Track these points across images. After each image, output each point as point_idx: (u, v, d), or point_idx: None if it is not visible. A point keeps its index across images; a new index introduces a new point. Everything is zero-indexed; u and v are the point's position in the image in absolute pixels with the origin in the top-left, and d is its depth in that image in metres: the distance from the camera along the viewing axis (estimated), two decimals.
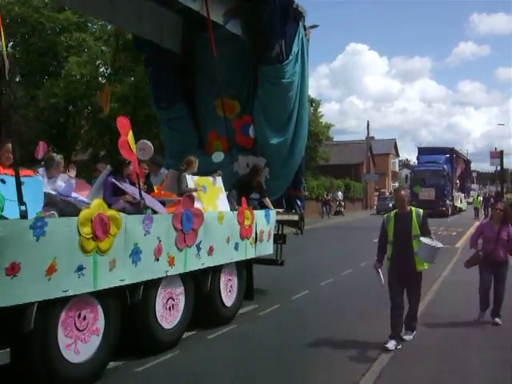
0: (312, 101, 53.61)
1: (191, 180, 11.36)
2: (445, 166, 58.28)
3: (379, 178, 76.66)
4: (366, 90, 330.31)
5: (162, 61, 15.29)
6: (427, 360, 9.24)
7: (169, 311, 9.95)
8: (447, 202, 56.65)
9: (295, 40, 14.24)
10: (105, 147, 38.23)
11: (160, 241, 9.24)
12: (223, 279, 11.80)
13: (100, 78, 40.34)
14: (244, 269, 12.76)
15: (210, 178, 11.90)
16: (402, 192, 10.44)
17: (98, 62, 40.26)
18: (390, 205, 56.87)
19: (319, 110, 54.97)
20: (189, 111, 15.61)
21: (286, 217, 14.60)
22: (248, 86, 15.01)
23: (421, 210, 10.21)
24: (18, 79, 42.38)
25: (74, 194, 9.57)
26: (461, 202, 66.68)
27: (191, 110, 15.68)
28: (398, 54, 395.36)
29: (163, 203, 10.35)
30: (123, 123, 8.99)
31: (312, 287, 15.94)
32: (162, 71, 15.43)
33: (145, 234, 8.86)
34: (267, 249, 13.40)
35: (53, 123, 39.35)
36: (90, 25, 40.89)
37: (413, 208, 10.25)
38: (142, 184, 9.86)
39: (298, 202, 15.35)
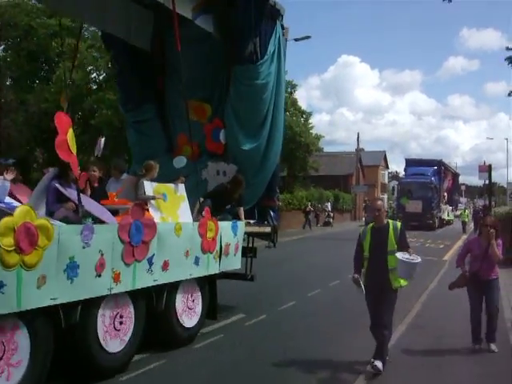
0: (303, 112, 52.80)
1: (150, 187, 10.13)
2: (432, 179, 57.16)
3: (368, 190, 75.69)
4: (356, 101, 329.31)
5: (130, 59, 14.13)
6: (413, 372, 9.22)
7: (115, 333, 8.67)
8: (434, 214, 55.44)
9: (271, 39, 13.02)
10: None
11: (102, 254, 7.98)
12: (181, 297, 10.47)
13: (91, 84, 39.69)
14: (206, 285, 11.39)
15: (172, 186, 10.73)
16: (379, 202, 9.85)
17: (89, 68, 39.51)
18: None
19: (310, 121, 53.92)
20: (158, 113, 14.46)
21: (257, 229, 13.39)
22: (221, 88, 13.84)
23: (398, 224, 9.40)
24: (8, 83, 41.59)
25: (7, 199, 8.37)
26: (448, 214, 65.32)
27: (160, 112, 14.52)
28: (389, 67, 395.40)
29: (116, 212, 9.23)
30: (62, 120, 7.85)
31: (299, 298, 15.55)
32: (129, 70, 14.27)
33: (83, 247, 7.61)
34: (234, 263, 12.20)
35: (43, 128, 38.25)
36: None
37: (390, 221, 9.42)
38: (88, 189, 9.21)
39: (271, 213, 14.01)
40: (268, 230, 13.79)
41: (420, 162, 61.59)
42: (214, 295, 11.83)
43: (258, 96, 12.85)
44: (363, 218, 60.64)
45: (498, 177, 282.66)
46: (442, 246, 35.04)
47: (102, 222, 8.38)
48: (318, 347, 10.69)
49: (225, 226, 11.60)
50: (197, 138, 13.11)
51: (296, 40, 43.29)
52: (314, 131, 52.87)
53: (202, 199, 11.93)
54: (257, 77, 12.69)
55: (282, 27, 13.79)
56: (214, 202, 11.85)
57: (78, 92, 36.18)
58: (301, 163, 49.80)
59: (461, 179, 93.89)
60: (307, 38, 43.68)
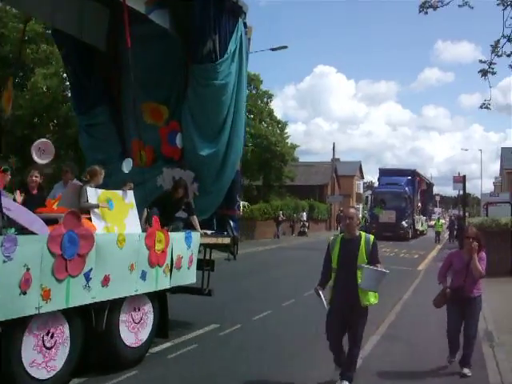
0: (278, 122, 52.10)
1: (94, 194, 9.04)
2: (406, 188, 55.64)
3: (343, 200, 75.15)
4: (332, 112, 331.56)
5: (82, 58, 13.08)
6: (386, 382, 9.14)
7: (46, 356, 7.59)
8: (408, 224, 54.11)
9: (232, 37, 12.03)
10: (70, 161, 35.80)
11: (28, 269, 6.92)
12: (125, 315, 9.30)
13: (66, 92, 38.81)
14: (156, 302, 10.24)
15: (119, 192, 9.61)
16: (351, 210, 9.08)
17: (64, 75, 38.60)
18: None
19: (285, 130, 53.16)
20: (112, 116, 13.39)
21: (214, 240, 12.30)
22: (178, 89, 12.83)
23: (371, 237, 8.55)
24: None
25: None
26: (422, 225, 64.04)
27: (115, 115, 13.45)
28: (364, 78, 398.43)
29: (56, 221, 8.07)
30: None
31: (274, 307, 15.27)
32: (82, 70, 13.22)
33: (4, 261, 6.57)
34: (188, 277, 11.12)
35: (17, 135, 37.13)
36: None
37: (362, 233, 8.59)
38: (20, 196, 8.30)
39: (231, 223, 12.96)
40: (227, 241, 12.80)
41: (394, 172, 60.36)
42: (164, 312, 10.67)
43: (216, 97, 11.88)
44: (338, 228, 60.07)
45: (472, 187, 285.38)
46: (416, 256, 34.69)
47: (32, 233, 7.34)
48: (291, 359, 10.37)
49: (177, 236, 10.57)
50: (152, 142, 12.25)
51: (273, 50, 42.82)
52: (289, 141, 52.29)
53: (149, 208, 11.05)
54: (216, 77, 11.75)
55: (245, 25, 12.77)
56: (161, 211, 10.89)
57: (53, 99, 35.11)
58: (276, 173, 49.24)
59: (436, 190, 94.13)
60: (284, 47, 43.14)
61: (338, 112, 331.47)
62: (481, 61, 12.19)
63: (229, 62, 11.91)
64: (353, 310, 8.29)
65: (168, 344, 10.83)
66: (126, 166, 10.37)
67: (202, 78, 11.86)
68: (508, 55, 11.75)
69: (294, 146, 52.66)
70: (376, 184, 66.94)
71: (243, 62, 12.53)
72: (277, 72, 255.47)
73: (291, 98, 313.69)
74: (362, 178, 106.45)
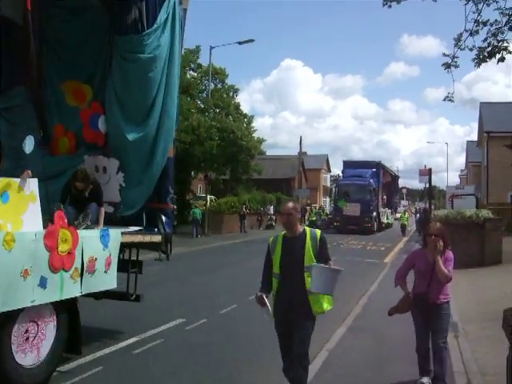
0: (245, 115, 52.00)
1: None
2: (371, 181, 54.02)
3: (311, 193, 75.33)
4: (299, 105, 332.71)
5: None
6: (353, 374, 9.02)
7: None
8: (373, 217, 52.61)
9: (163, 6, 10.52)
10: None
11: None
12: (19, 330, 7.57)
13: None
14: (63, 313, 8.47)
15: (16, 181, 7.82)
16: (289, 204, 7.27)
17: None
18: (319, 223, 55.33)
19: (252, 124, 53.07)
20: (30, 98, 11.57)
21: (141, 238, 10.63)
22: (103, 66, 11.29)
23: (318, 232, 7.18)
24: None
25: None
26: (387, 218, 62.72)
27: (34, 97, 11.61)
28: (331, 72, 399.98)
29: None
30: None
31: (240, 301, 14.92)
32: None
33: None
34: (106, 283, 9.47)
35: None
36: None
37: (307, 228, 7.25)
38: None
39: (164, 218, 11.30)
40: (157, 238, 11.10)
41: (358, 164, 58.97)
42: (75, 324, 8.85)
43: (143, 74, 10.42)
44: (306, 222, 60.14)
45: (439, 180, 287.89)
46: (383, 249, 34.81)
47: None
48: (258, 353, 10.33)
49: (89, 235, 8.95)
50: (75, 126, 10.91)
51: (239, 43, 42.72)
52: (256, 135, 52.18)
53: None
54: (142, 50, 10.32)
55: None
56: (71, 206, 9.59)
57: None
58: (243, 166, 49.08)
59: (402, 183, 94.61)
60: (251, 41, 42.96)
61: (304, 106, 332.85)
62: (444, 54, 12.31)
63: (158, 34, 10.48)
64: (301, 321, 7.02)
65: (133, 339, 10.66)
66: (28, 145, 8.84)
67: (127, 51, 10.52)
68: (470, 49, 11.91)
69: (260, 140, 52.41)
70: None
71: (176, 34, 11.01)
72: (244, 66, 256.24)
73: (258, 92, 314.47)
74: (329, 171, 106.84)
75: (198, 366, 9.37)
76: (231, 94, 51.90)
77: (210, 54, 42.67)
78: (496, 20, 11.65)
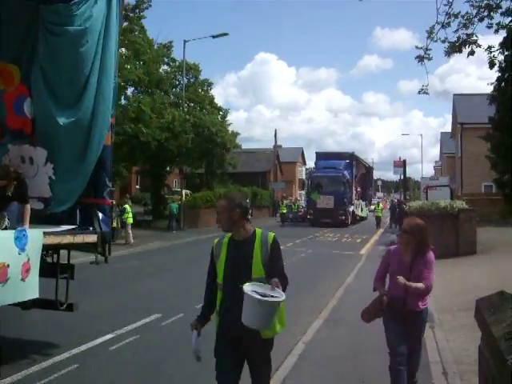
0: (219, 109, 51.91)
1: None
2: (345, 172, 52.15)
3: (286, 186, 75.47)
4: (273, 99, 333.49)
5: None
6: (329, 366, 8.97)
7: None
8: (347, 210, 50.89)
9: None
10: None
11: None
12: None
13: None
14: None
15: None
16: (222, 202, 5.83)
17: None
18: (290, 216, 55.12)
19: (227, 118, 52.99)
20: None
21: (71, 238, 9.20)
22: (33, 45, 9.76)
23: (270, 235, 5.68)
24: None
25: None
26: (362, 210, 61.16)
27: None
28: (305, 65, 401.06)
29: None
30: None
31: None
32: None
33: None
34: (24, 292, 8.08)
35: None
36: None
37: (258, 230, 5.75)
38: None
39: (100, 215, 9.74)
40: (91, 238, 9.59)
41: (331, 155, 57.00)
42: None
43: (73, 49, 9.15)
44: (277, 215, 60.12)
45: (413, 172, 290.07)
46: (358, 241, 34.88)
47: None
48: None
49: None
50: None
51: (213, 37, 42.55)
52: (231, 129, 52.08)
53: None
54: (71, 21, 9.05)
55: None
56: None
57: None
58: (218, 160, 49.04)
59: (377, 174, 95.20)
60: (225, 34, 42.82)
61: (279, 99, 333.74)
62: (417, 47, 12.39)
63: (90, 3, 9.23)
64: (251, 344, 5.67)
65: (109, 336, 10.54)
66: None
67: (53, 23, 9.27)
68: (443, 41, 11.99)
69: (235, 134, 52.23)
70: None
71: (113, 4, 9.72)
72: (218, 60, 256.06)
73: (233, 86, 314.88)
74: (305, 164, 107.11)
75: (174, 360, 9.32)
76: (205, 88, 51.74)
77: (184, 47, 42.51)
78: (467, 12, 11.74)
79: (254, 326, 5.29)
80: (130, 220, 30.28)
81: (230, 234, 5.78)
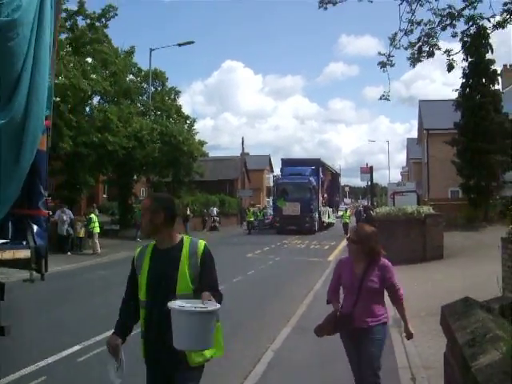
0: (187, 118, 51.84)
1: None
2: (311, 179, 51.00)
3: (254, 194, 75.41)
4: (240, 106, 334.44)
5: None
6: (298, 374, 9.01)
7: None
8: (313, 217, 49.78)
9: None
10: None
11: None
12: None
13: None
14: None
15: None
16: (146, 201, 5.31)
17: None
18: (256, 223, 54.93)
19: (194, 127, 52.84)
20: None
21: (0, 254, 7.60)
22: None
23: (200, 244, 4.97)
24: None
25: None
26: (329, 216, 59.73)
27: None
28: (271, 72, 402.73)
29: None
30: None
31: None
32: None
33: None
34: None
35: None
36: None
37: (186, 238, 5.05)
38: None
39: (35, 228, 8.45)
40: (24, 254, 8.14)
41: (297, 162, 56.27)
42: None
43: (1, 43, 7.73)
44: (243, 224, 59.93)
45: (380, 178, 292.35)
46: (326, 247, 34.89)
47: None
48: None
49: None
50: None
51: (179, 45, 42.49)
52: (197, 137, 51.89)
53: None
54: None
55: None
56: None
57: None
58: (185, 169, 48.92)
59: (344, 181, 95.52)
60: (191, 42, 42.77)
61: (246, 107, 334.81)
62: (380, 53, 12.51)
63: None
64: (176, 370, 4.90)
65: (77, 347, 10.45)
66: None
67: None
68: (405, 48, 12.11)
69: (202, 143, 51.90)
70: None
71: None
72: (185, 68, 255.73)
73: (199, 94, 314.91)
74: (272, 171, 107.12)
75: (141, 370, 9.29)
76: (172, 96, 51.67)
77: (150, 56, 42.57)
78: (429, 20, 11.86)
79: (186, 347, 4.54)
80: (97, 229, 30.08)
81: (153, 242, 5.13)
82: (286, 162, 57.31)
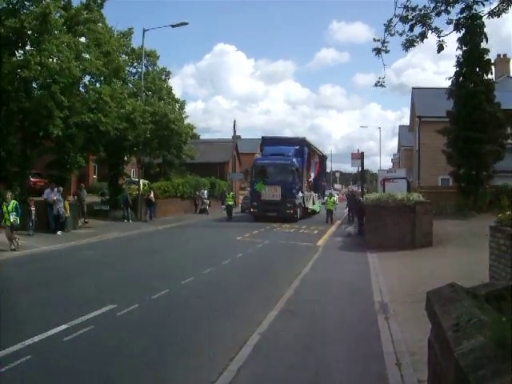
0: (177, 100, 51.67)
1: None
2: (294, 160, 45.01)
3: (244, 177, 75.41)
4: (231, 90, 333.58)
5: None
6: (284, 357, 9.01)
7: None
8: (296, 203, 43.95)
9: None
10: None
11: None
12: None
13: None
14: None
15: None
16: None
17: None
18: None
19: (184, 109, 52.57)
20: None
21: None
22: None
23: None
24: None
25: None
26: (313, 202, 52.79)
27: None
28: (263, 57, 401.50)
29: None
30: None
31: (172, 286, 14.87)
32: None
33: None
34: None
35: None
36: None
37: None
38: None
39: None
40: None
41: (279, 141, 49.94)
42: None
43: None
44: (239, 205, 59.74)
45: (371, 164, 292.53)
46: (316, 232, 34.71)
47: None
48: (191, 334, 10.49)
49: None
50: None
51: (173, 26, 42.18)
52: (188, 121, 51.41)
53: None
54: None
55: None
56: None
57: None
58: (176, 151, 48.82)
59: (335, 166, 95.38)
60: (184, 24, 42.42)
61: (237, 90, 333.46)
62: (374, 39, 12.46)
63: None
64: None
65: (64, 326, 10.40)
66: None
67: None
68: (400, 34, 12.07)
69: (191, 127, 50.80)
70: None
71: None
72: (177, 50, 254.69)
73: (191, 77, 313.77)
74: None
75: (128, 351, 9.30)
76: (163, 77, 51.44)
77: (143, 36, 42.23)
78: (424, 6, 11.83)
79: None
80: (8, 223, 23.09)
81: None
82: (267, 141, 51.12)
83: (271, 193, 43.52)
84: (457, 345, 3.07)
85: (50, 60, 30.01)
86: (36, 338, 9.62)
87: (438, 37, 11.99)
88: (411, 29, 11.95)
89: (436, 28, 11.99)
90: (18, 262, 19.73)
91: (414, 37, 12.08)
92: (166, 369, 8.56)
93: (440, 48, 12.02)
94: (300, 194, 45.84)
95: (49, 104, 29.24)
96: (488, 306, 4.14)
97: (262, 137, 52.92)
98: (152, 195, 41.72)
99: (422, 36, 12.01)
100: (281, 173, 43.92)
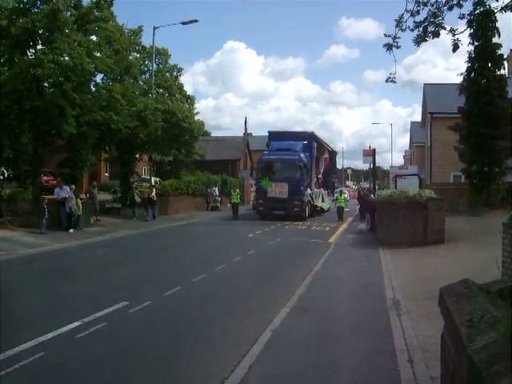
0: (188, 97, 51.73)
1: None
2: (302, 155, 42.93)
3: (250, 173, 75.28)
4: (242, 87, 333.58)
5: None
6: (296, 353, 9.00)
7: None
8: (304, 200, 42.02)
9: None
10: None
11: None
12: None
13: None
14: None
15: None
16: None
17: None
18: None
19: (195, 106, 52.64)
20: None
21: None
22: None
23: None
24: None
25: None
26: (322, 200, 50.96)
27: None
28: (272, 54, 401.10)
29: None
30: None
31: (184, 283, 14.91)
32: None
33: None
34: None
35: None
36: None
37: None
38: None
39: None
40: None
41: (286, 135, 47.28)
42: None
43: None
44: (251, 202, 59.80)
45: (382, 161, 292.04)
46: (327, 229, 34.57)
47: None
48: (203, 331, 10.43)
49: None
50: None
51: (183, 23, 42.29)
52: (198, 117, 51.41)
53: None
54: None
55: None
56: None
57: None
58: (186, 148, 48.84)
59: (346, 163, 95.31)
60: (195, 21, 42.51)
61: (247, 87, 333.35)
62: (385, 35, 12.43)
63: None
64: None
65: (77, 323, 10.46)
66: None
67: None
68: (412, 29, 12.05)
69: (201, 124, 50.75)
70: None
71: None
72: (187, 48, 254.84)
73: (201, 74, 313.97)
74: None
75: (141, 348, 9.30)
76: (175, 73, 51.55)
77: (154, 34, 42.34)
78: (436, 0, 11.80)
79: None
80: None
81: None
82: (274, 135, 48.20)
83: (278, 190, 41.63)
84: (470, 341, 3.05)
85: (62, 58, 30.06)
86: (49, 335, 9.66)
87: (453, 35, 11.95)
88: (424, 30, 11.91)
89: (452, 29, 11.95)
90: (30, 259, 19.81)
91: (425, 35, 12.04)
92: (179, 365, 8.58)
93: (455, 47, 11.98)
94: (308, 191, 44.05)
95: (61, 102, 29.30)
96: (501, 301, 4.12)
97: (269, 131, 50.05)
98: (153, 194, 39.91)
99: (435, 34, 11.96)
100: (288, 169, 42.08)
